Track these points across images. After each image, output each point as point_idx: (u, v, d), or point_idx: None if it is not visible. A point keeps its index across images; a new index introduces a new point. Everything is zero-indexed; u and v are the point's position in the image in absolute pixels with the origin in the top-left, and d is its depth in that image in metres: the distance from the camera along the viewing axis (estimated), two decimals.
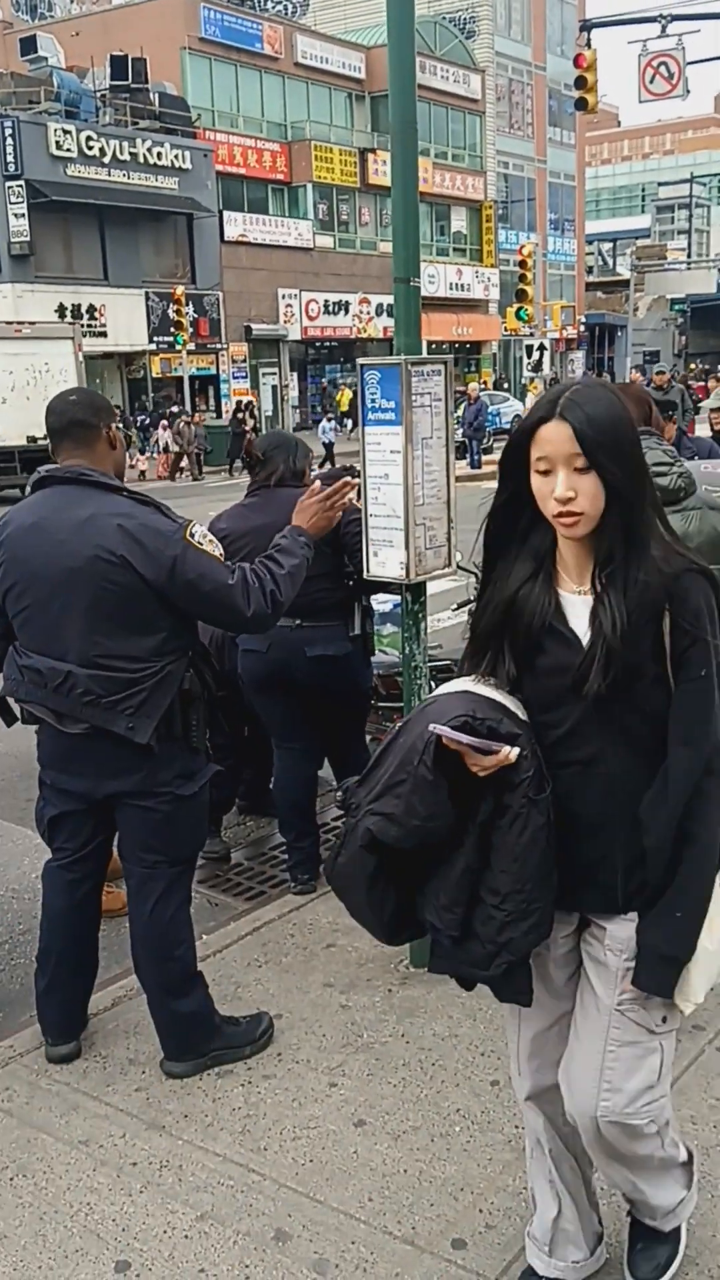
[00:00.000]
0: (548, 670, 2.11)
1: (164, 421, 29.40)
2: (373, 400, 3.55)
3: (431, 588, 3.89)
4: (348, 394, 31.49)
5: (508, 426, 32.38)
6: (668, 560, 2.03)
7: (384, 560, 3.66)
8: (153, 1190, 2.86)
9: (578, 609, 2.10)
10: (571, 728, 2.10)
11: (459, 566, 4.93)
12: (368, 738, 5.05)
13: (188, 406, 30.27)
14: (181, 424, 27.27)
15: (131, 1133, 3.09)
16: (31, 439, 21.98)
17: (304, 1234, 2.68)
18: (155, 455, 28.36)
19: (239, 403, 30.52)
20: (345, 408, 31.75)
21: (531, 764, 2.03)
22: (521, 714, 2.11)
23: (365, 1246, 2.63)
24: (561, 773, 2.10)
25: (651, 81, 18.60)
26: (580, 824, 2.12)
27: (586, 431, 1.95)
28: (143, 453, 28.27)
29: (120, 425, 3.64)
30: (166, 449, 27.83)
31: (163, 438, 28.45)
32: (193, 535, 3.11)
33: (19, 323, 23.26)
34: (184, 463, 27.19)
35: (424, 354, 3.61)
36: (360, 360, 3.64)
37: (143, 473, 26.87)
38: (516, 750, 2.00)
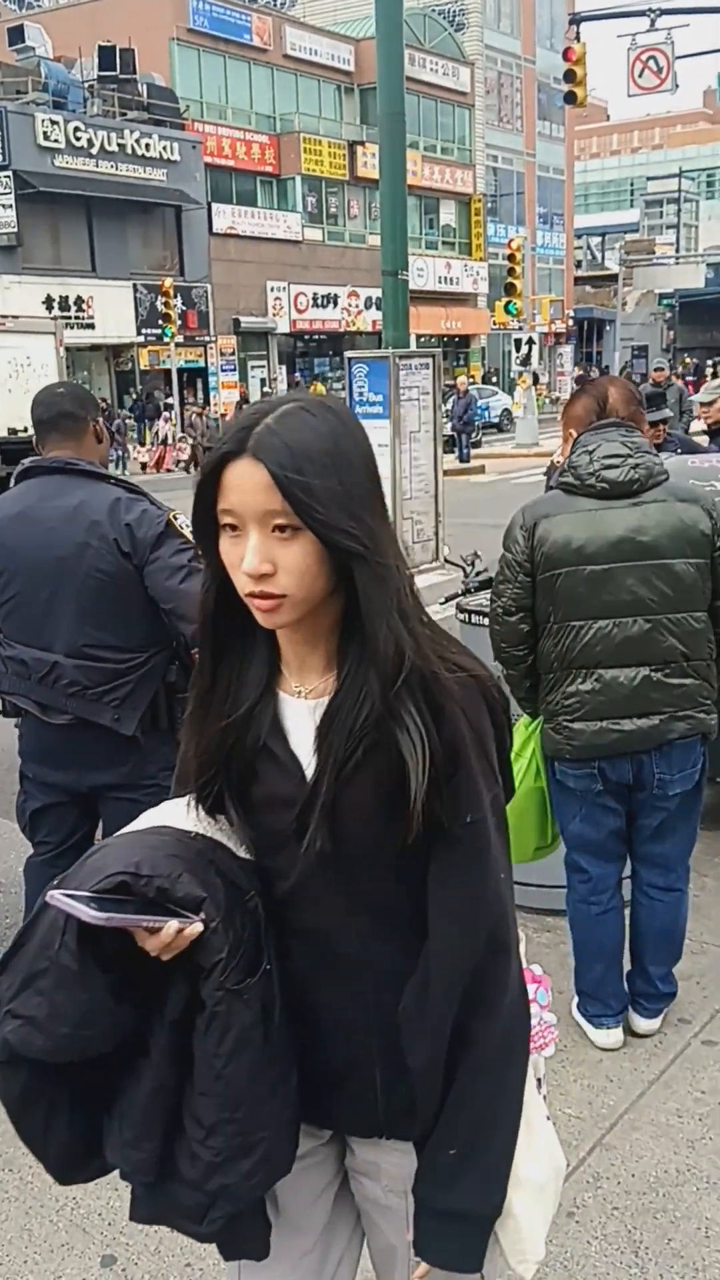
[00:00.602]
0: (263, 803, 1.50)
1: (165, 413, 29.24)
2: (360, 394, 3.56)
3: (419, 582, 3.89)
4: (319, 388, 31.38)
5: (497, 420, 32.37)
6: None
7: None
8: None
9: (301, 720, 1.48)
10: (297, 883, 1.48)
11: (446, 560, 4.94)
12: None
13: (176, 399, 30.18)
14: (193, 415, 26.88)
15: None
16: (12, 430, 22.09)
17: None
18: (154, 446, 28.11)
19: (241, 399, 30.47)
20: None
21: (227, 940, 1.40)
22: (244, 855, 1.52)
23: None
24: (294, 943, 1.51)
25: (640, 75, 18.60)
26: (322, 1018, 1.53)
27: (289, 476, 1.31)
28: (143, 444, 28.05)
29: (104, 419, 3.62)
30: (166, 441, 27.65)
31: (163, 429, 28.27)
32: (176, 520, 3.12)
33: (2, 317, 23.31)
34: (188, 454, 26.75)
35: (412, 347, 3.61)
36: (348, 354, 3.64)
37: (143, 464, 26.70)
38: (198, 924, 1.38)
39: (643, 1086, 3.14)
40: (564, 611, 3.15)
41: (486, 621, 4.15)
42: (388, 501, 3.52)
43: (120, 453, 26.55)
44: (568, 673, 3.18)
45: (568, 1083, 3.17)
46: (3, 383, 22.01)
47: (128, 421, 28.27)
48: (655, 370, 13.42)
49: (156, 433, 28.88)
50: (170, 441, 27.69)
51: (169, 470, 26.40)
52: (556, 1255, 2.56)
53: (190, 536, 3.10)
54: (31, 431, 3.33)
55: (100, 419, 3.32)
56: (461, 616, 4.33)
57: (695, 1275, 2.49)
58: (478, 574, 6.17)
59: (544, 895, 4.15)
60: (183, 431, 27.29)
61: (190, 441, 26.67)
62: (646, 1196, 2.73)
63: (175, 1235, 2.60)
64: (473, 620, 4.23)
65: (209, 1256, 2.60)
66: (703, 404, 6.81)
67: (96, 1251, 2.64)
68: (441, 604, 6.44)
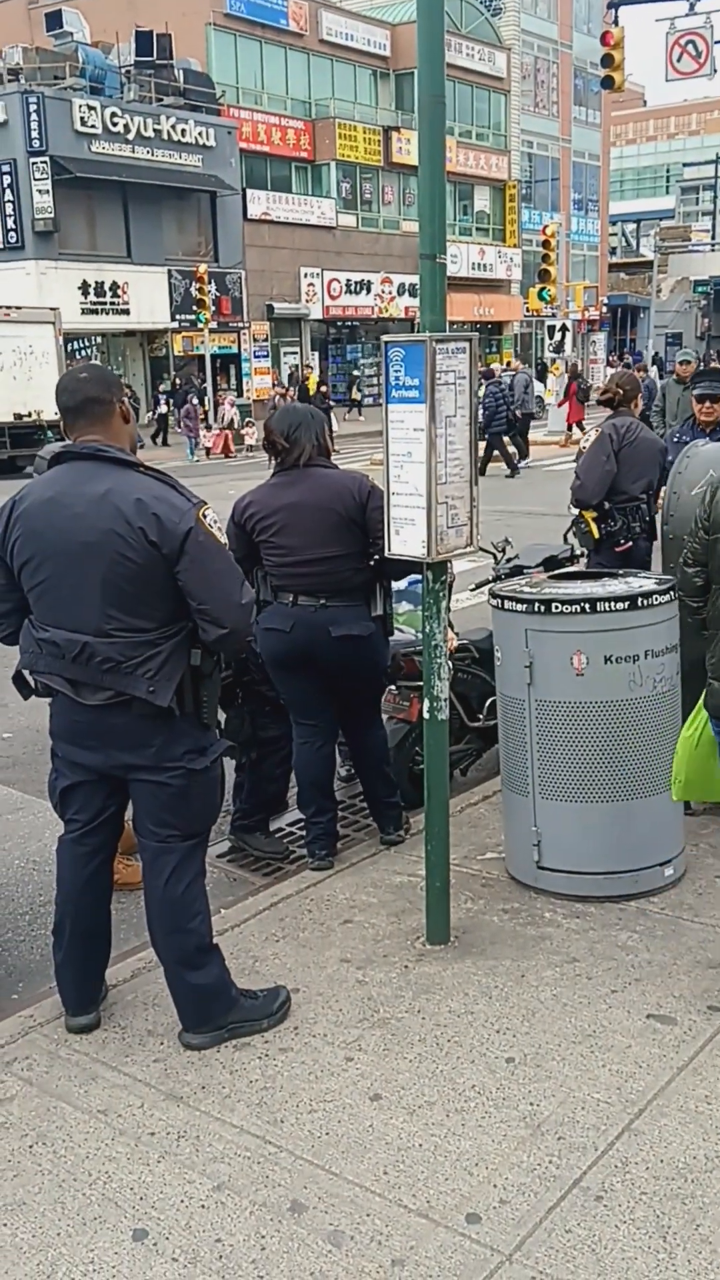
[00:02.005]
0: None
1: (230, 396, 29.05)
2: (396, 378, 3.54)
3: (455, 568, 3.89)
4: (314, 377, 30.95)
5: (533, 409, 32.13)
6: None
7: (406, 539, 3.66)
8: (170, 1160, 2.89)
9: None
10: None
11: (479, 547, 4.93)
12: (384, 716, 5.05)
13: (209, 385, 30.18)
14: (276, 398, 26.13)
15: (150, 1103, 3.12)
16: (18, 415, 22.82)
17: (319, 1205, 2.71)
18: (219, 430, 27.58)
19: (319, 384, 30.04)
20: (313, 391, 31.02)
21: None
22: None
23: (380, 1219, 2.66)
24: None
25: (679, 60, 18.38)
26: None
27: None
28: (209, 428, 27.71)
29: (131, 398, 3.65)
30: (232, 424, 27.32)
31: (228, 413, 27.93)
32: (205, 516, 3.14)
33: (5, 307, 23.96)
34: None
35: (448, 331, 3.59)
36: (384, 337, 3.63)
37: (207, 449, 26.43)
38: None
39: (671, 1073, 3.14)
40: None
41: (520, 608, 4.16)
42: (422, 486, 3.52)
43: (193, 438, 26.36)
44: None
45: (596, 1068, 3.17)
46: (7, 370, 22.96)
47: (195, 405, 27.88)
48: (681, 363, 11.12)
49: (221, 416, 28.53)
50: (234, 425, 27.24)
51: (230, 455, 26.05)
52: (584, 1239, 2.57)
53: (218, 534, 3.13)
54: (36, 417, 3.38)
55: (125, 400, 3.34)
56: (494, 602, 4.32)
57: None
58: (509, 560, 6.17)
59: (571, 881, 4.15)
60: (215, 418, 27.17)
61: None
62: (675, 1182, 2.73)
63: (207, 1209, 2.65)
64: (505, 606, 4.22)
65: (239, 1232, 2.63)
66: (682, 362, 6.75)
67: (128, 1225, 2.68)
68: (472, 590, 6.45)
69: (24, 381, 23.12)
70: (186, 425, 26.71)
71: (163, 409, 29.43)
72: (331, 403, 24.66)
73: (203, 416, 29.99)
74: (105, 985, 3.64)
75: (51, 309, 25.11)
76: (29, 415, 23.11)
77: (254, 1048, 3.35)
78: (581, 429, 26.12)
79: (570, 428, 26.09)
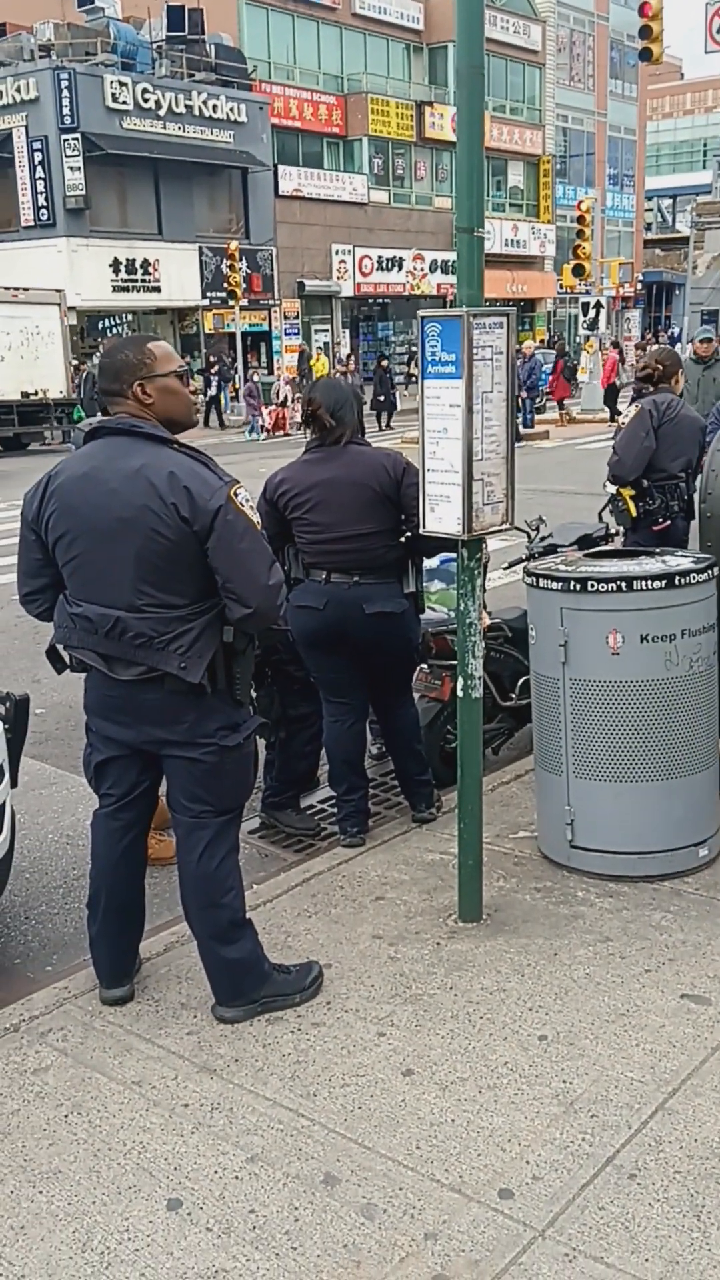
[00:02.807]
0: None
1: (285, 375, 28.77)
2: (433, 353, 3.52)
3: (490, 545, 3.86)
4: (324, 361, 30.63)
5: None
6: None
7: (441, 516, 3.64)
8: (204, 1131, 2.91)
9: None
10: None
11: (512, 525, 4.89)
12: (416, 695, 5.05)
13: (240, 362, 30.09)
14: (336, 372, 25.85)
15: (183, 1075, 3.15)
16: (25, 394, 23.37)
17: (352, 1179, 2.72)
18: (273, 408, 27.18)
19: (380, 354, 29.80)
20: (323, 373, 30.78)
21: None
22: None
23: (413, 1193, 2.67)
24: None
25: (719, 32, 18.09)
26: None
27: None
28: (268, 404, 27.44)
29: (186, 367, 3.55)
30: (285, 402, 27.07)
31: (282, 390, 27.64)
32: (237, 495, 3.12)
33: (14, 288, 24.39)
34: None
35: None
36: (421, 312, 3.59)
37: (264, 428, 26.08)
38: None
39: (706, 1052, 3.12)
40: None
41: (555, 586, 4.13)
42: (459, 463, 3.50)
43: (256, 416, 25.97)
44: None
45: (630, 1046, 3.17)
46: (15, 350, 23.51)
47: (255, 383, 27.49)
48: (701, 341, 10.29)
49: (276, 392, 28.21)
50: (288, 402, 26.93)
51: (287, 434, 25.76)
52: (617, 1216, 2.56)
53: (250, 513, 3.12)
54: (43, 395, 3.37)
55: (143, 382, 3.20)
56: (529, 580, 4.30)
57: None
58: (542, 539, 6.13)
59: (605, 861, 4.14)
60: (246, 394, 26.97)
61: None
62: (709, 1161, 2.72)
63: (241, 1181, 2.67)
64: (540, 585, 4.20)
65: (272, 1203, 2.65)
66: (703, 340, 6.65)
67: (163, 1195, 2.70)
68: (505, 569, 6.42)
69: (31, 361, 23.67)
70: (249, 404, 26.37)
71: (214, 390, 28.76)
72: (360, 379, 24.49)
73: (232, 394, 29.92)
74: (139, 958, 3.66)
75: (57, 290, 25.52)
76: (35, 394, 23.71)
77: (287, 1022, 3.37)
78: (562, 406, 26.02)
79: (559, 404, 26.01)
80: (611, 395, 26.23)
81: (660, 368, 6.14)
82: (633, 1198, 2.62)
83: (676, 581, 4.02)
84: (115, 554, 3.13)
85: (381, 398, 26.14)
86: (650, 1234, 2.51)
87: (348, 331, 38.41)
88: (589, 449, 19.37)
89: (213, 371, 29.66)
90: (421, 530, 3.75)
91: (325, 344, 36.98)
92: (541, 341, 36.47)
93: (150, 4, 32.42)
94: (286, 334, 35.58)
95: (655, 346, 7.87)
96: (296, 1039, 3.29)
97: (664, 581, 4.01)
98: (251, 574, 3.13)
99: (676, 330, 28.13)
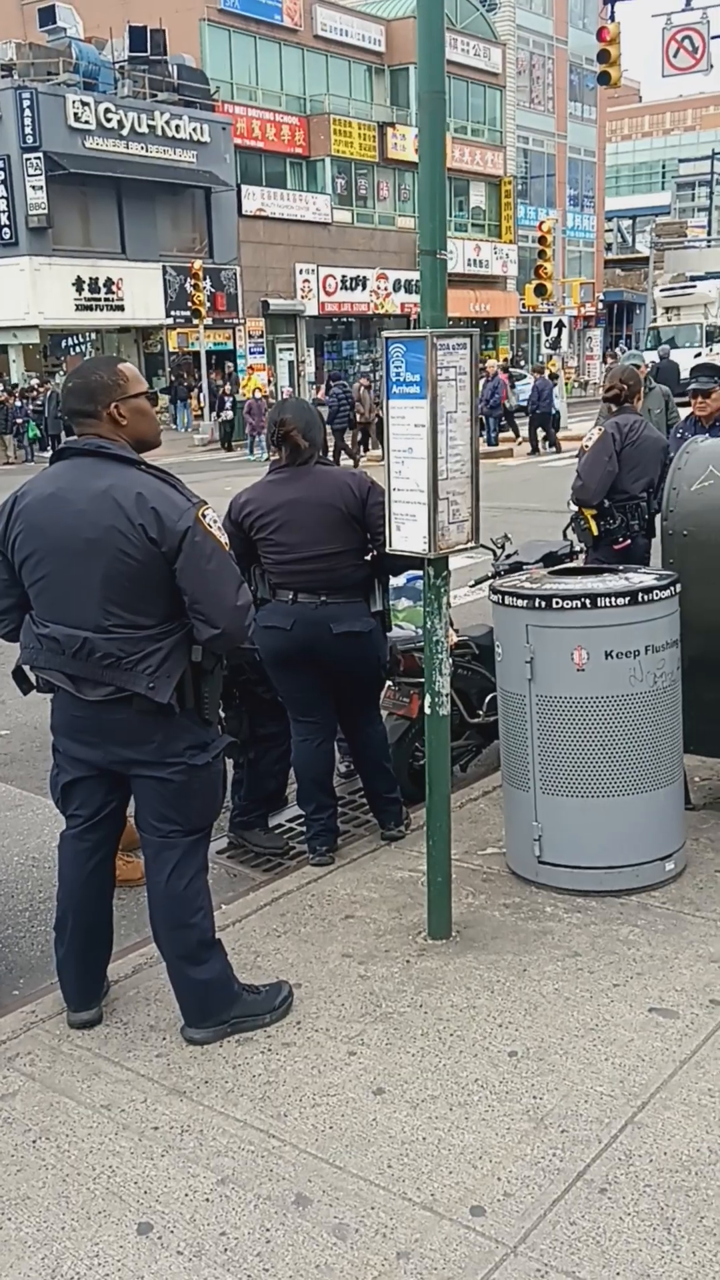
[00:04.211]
0: None
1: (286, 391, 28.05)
2: (397, 373, 3.54)
3: (452, 563, 3.89)
4: (254, 380, 30.23)
5: (524, 403, 32.29)
6: None
7: (407, 534, 3.66)
8: (174, 1154, 2.89)
9: None
10: None
11: (480, 543, 4.91)
12: (384, 713, 5.06)
13: (204, 381, 30.07)
14: (360, 388, 24.30)
15: (153, 1098, 3.13)
16: None
17: (324, 1199, 2.71)
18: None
19: (336, 375, 29.42)
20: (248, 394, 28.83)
21: None
22: None
23: (385, 1212, 2.66)
24: None
25: (675, 56, 18.40)
26: None
27: None
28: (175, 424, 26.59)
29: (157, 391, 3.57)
30: None
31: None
32: (205, 516, 3.14)
33: None
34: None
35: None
36: (385, 333, 3.62)
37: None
38: None
39: (674, 1066, 3.15)
40: None
41: (521, 603, 4.16)
42: (424, 482, 3.52)
43: (257, 435, 24.82)
44: None
45: (599, 1061, 3.18)
46: None
47: (258, 400, 26.70)
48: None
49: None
50: None
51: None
52: (588, 1231, 2.57)
53: (218, 534, 3.13)
54: None
55: (118, 403, 3.21)
56: (495, 598, 4.33)
57: None
58: (508, 556, 6.17)
59: (572, 876, 4.16)
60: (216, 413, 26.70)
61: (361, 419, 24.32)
62: (678, 1174, 2.74)
63: (211, 1203, 2.65)
64: (506, 602, 4.23)
65: (244, 1225, 2.64)
66: (696, 394, 6.73)
67: (133, 1219, 2.68)
68: (471, 586, 6.45)
69: None
70: (249, 422, 25.64)
71: (228, 414, 27.48)
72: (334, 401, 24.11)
73: (197, 413, 29.85)
74: (107, 981, 3.64)
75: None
76: None
77: (257, 1042, 3.36)
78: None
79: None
80: (508, 418, 26.00)
81: (624, 388, 6.21)
82: (604, 1212, 2.63)
83: (640, 598, 4.06)
84: (82, 575, 3.13)
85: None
86: (621, 1248, 2.52)
87: (312, 350, 38.53)
88: (553, 467, 19.51)
89: (225, 392, 28.77)
90: (388, 549, 3.77)
91: (290, 362, 37.08)
92: (505, 360, 36.72)
93: (112, 24, 32.53)
94: (251, 353, 35.63)
95: (617, 365, 7.87)
96: (267, 1059, 3.28)
97: (627, 598, 4.05)
98: (219, 595, 3.13)
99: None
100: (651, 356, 23.00)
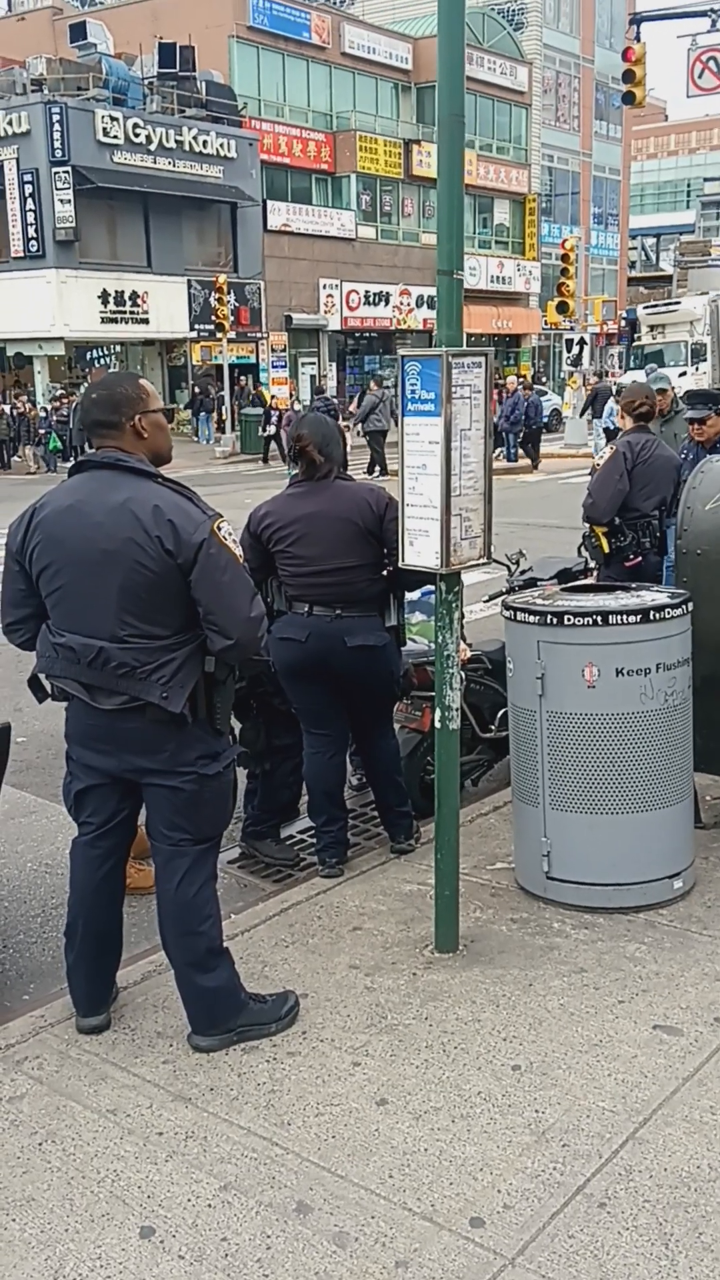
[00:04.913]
0: None
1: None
2: (412, 391, 3.59)
3: (464, 580, 3.92)
4: (266, 395, 30.37)
5: (547, 420, 32.26)
6: None
7: (419, 549, 3.70)
8: (178, 1160, 2.92)
9: None
10: None
11: (491, 558, 4.95)
12: (396, 726, 5.09)
13: (228, 394, 30.22)
14: (315, 405, 24.71)
15: (158, 1103, 3.16)
16: None
17: (325, 1207, 2.74)
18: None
19: (319, 390, 29.42)
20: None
21: None
22: None
23: (385, 1221, 2.68)
24: None
25: (700, 76, 18.45)
26: None
27: None
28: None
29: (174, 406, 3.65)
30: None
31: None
32: (220, 528, 3.18)
33: None
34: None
35: (464, 346, 3.63)
36: (401, 351, 3.67)
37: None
38: None
39: (677, 1083, 3.16)
40: None
41: (532, 619, 4.19)
42: (437, 498, 3.56)
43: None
44: None
45: (602, 1076, 3.19)
46: None
47: (299, 412, 26.60)
48: (659, 391, 7.46)
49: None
50: None
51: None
52: (586, 1245, 2.59)
53: (232, 546, 3.17)
54: None
55: (141, 416, 3.27)
56: (507, 614, 4.36)
57: None
58: (522, 572, 6.21)
59: (580, 892, 4.18)
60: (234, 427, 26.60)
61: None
62: (678, 1190, 2.75)
63: (213, 1209, 2.68)
64: (518, 618, 4.26)
65: (245, 1231, 2.67)
66: (692, 421, 6.77)
67: (136, 1223, 2.71)
68: (486, 602, 6.48)
69: None
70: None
71: (271, 429, 26.92)
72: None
73: (217, 425, 29.94)
74: (116, 987, 3.68)
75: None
76: None
77: (262, 1051, 3.38)
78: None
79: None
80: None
81: (648, 405, 6.26)
82: (602, 1226, 2.64)
83: (651, 616, 4.08)
84: (99, 585, 3.17)
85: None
86: (619, 1262, 2.54)
87: (334, 365, 38.68)
88: (572, 483, 19.51)
89: (272, 406, 28.33)
90: (400, 564, 3.81)
91: (312, 376, 37.21)
92: (525, 377, 36.78)
93: (142, 41, 32.86)
94: (274, 367, 35.80)
95: (633, 382, 7.87)
96: (272, 1068, 3.31)
97: (639, 616, 4.07)
98: (233, 606, 3.17)
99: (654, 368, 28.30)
100: (638, 375, 22.80)
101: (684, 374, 27.90)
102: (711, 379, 28.99)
